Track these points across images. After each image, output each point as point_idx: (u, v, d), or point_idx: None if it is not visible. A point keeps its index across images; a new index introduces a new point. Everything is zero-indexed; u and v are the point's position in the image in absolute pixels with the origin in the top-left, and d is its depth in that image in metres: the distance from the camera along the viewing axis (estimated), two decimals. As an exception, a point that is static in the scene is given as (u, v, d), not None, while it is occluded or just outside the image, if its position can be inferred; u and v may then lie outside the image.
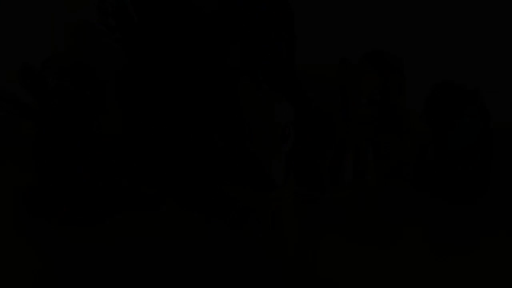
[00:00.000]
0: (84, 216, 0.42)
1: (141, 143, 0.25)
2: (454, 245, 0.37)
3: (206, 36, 0.30)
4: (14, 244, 0.39)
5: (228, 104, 0.20)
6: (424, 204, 0.47)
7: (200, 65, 0.28)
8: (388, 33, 0.71)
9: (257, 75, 0.26)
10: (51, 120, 0.40)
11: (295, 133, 0.24)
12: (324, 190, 0.24)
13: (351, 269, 0.34)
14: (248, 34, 0.31)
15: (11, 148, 0.70)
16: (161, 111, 0.25)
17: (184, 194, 0.23)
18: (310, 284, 0.32)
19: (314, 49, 0.69)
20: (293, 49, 0.36)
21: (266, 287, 0.32)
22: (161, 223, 0.42)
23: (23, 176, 0.45)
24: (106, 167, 0.38)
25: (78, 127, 0.41)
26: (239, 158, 0.19)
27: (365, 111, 0.48)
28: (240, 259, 0.32)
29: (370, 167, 0.51)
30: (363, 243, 0.38)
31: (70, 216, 0.43)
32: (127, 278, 0.33)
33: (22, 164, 0.44)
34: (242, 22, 0.29)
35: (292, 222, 0.20)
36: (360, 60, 0.49)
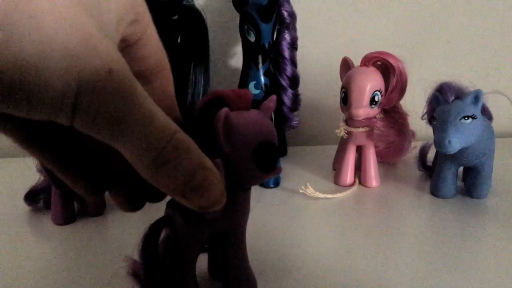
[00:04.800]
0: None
1: None
2: (455, 244, 0.37)
3: None
4: (19, 242, 0.39)
5: None
6: (424, 204, 0.47)
7: None
8: (388, 33, 0.71)
9: None
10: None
11: None
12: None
13: (351, 268, 0.34)
14: None
15: (13, 148, 0.70)
16: None
17: None
18: (310, 284, 0.32)
19: (315, 49, 0.70)
20: None
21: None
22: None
23: (26, 174, 0.45)
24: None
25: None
26: None
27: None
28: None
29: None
30: (363, 242, 0.38)
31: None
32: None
33: (24, 163, 0.44)
34: None
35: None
36: (362, 60, 0.49)
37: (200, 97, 0.48)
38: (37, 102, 0.15)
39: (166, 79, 0.24)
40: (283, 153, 0.65)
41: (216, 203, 0.20)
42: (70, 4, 0.15)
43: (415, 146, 0.56)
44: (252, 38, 0.50)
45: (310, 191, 0.47)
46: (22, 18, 0.13)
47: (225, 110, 0.24)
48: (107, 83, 0.16)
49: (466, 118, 0.41)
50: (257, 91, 0.52)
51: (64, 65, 0.15)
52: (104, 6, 0.18)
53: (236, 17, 0.52)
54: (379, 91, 0.47)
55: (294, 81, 0.55)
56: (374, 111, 0.48)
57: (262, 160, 0.25)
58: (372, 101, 0.47)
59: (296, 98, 0.56)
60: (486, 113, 0.46)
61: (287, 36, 0.53)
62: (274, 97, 0.28)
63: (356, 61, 0.50)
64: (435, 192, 0.48)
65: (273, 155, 0.26)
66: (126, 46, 0.22)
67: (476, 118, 0.41)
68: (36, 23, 0.14)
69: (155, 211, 0.38)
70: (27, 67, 0.14)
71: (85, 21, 0.16)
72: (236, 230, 0.29)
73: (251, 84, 0.52)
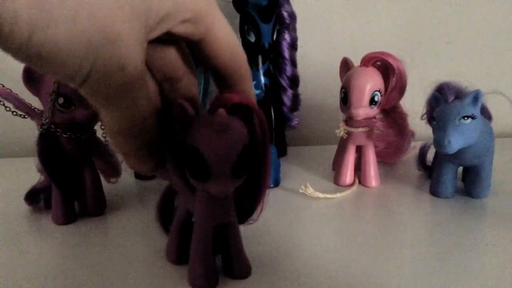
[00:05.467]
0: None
1: None
2: (454, 244, 0.37)
3: None
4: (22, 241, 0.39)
5: None
6: (423, 203, 0.47)
7: None
8: (388, 34, 0.71)
9: None
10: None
11: None
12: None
13: (350, 268, 0.34)
14: None
15: (15, 148, 0.70)
16: None
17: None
18: (309, 284, 0.32)
19: (314, 49, 0.70)
20: None
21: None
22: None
23: (27, 174, 0.45)
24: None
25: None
26: None
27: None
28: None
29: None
30: (362, 242, 0.38)
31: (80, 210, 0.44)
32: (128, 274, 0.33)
33: (25, 163, 0.44)
34: None
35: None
36: (362, 60, 0.49)
37: (200, 96, 0.48)
38: (56, 71, 0.18)
39: (243, 80, 0.27)
40: (283, 153, 0.65)
41: (143, 172, 0.27)
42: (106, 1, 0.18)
43: (414, 146, 0.56)
44: (252, 39, 0.50)
45: (310, 191, 0.47)
46: (62, 15, 0.17)
47: (182, 101, 0.26)
48: (117, 76, 0.19)
49: (465, 118, 0.41)
50: (257, 91, 0.52)
51: (82, 52, 0.18)
52: (156, 2, 0.20)
53: (236, 17, 0.52)
54: (378, 91, 0.48)
55: (294, 81, 0.55)
56: (374, 111, 0.49)
57: (186, 162, 0.26)
58: (372, 101, 0.47)
59: (296, 98, 0.56)
60: (485, 113, 0.46)
61: (287, 36, 0.53)
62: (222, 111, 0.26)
63: (356, 61, 0.50)
64: (434, 192, 0.48)
65: (194, 162, 0.26)
66: (195, 43, 0.24)
67: (475, 118, 0.42)
68: (71, 17, 0.17)
69: (150, 213, 0.38)
70: (54, 48, 0.17)
71: (114, 17, 0.18)
72: (195, 219, 0.30)
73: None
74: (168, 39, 0.23)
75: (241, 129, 0.26)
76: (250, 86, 0.28)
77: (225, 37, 0.25)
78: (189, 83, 0.28)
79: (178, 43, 0.26)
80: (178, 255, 0.34)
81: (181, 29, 0.23)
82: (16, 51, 0.17)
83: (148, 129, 0.24)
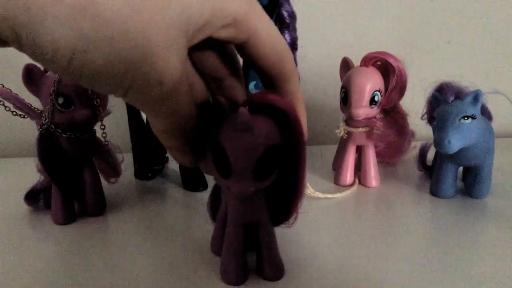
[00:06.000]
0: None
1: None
2: (454, 244, 0.37)
3: None
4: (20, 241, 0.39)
5: None
6: (424, 203, 0.47)
7: None
8: (388, 34, 0.71)
9: None
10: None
11: None
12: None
13: (351, 268, 0.34)
14: None
15: (14, 148, 0.70)
16: None
17: None
18: (309, 284, 0.32)
19: (315, 49, 0.70)
20: None
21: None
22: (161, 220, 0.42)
23: (26, 174, 0.45)
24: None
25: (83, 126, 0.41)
26: None
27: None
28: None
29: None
30: (362, 242, 0.38)
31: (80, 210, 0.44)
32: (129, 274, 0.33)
33: (25, 163, 0.44)
34: None
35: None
36: (362, 60, 0.49)
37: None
38: (98, 87, 0.20)
39: (288, 80, 0.27)
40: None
41: (185, 164, 0.28)
42: (137, 16, 0.18)
43: (414, 146, 0.56)
44: (252, 38, 0.50)
45: (310, 191, 0.47)
46: (98, 38, 0.17)
47: (220, 97, 0.26)
48: (156, 89, 0.20)
49: (465, 118, 0.41)
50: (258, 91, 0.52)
51: (120, 72, 0.19)
52: (195, 11, 0.20)
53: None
54: (379, 91, 0.47)
55: (294, 81, 0.55)
56: (374, 111, 0.49)
57: (214, 158, 0.27)
58: (372, 101, 0.47)
59: (296, 98, 0.56)
60: (485, 113, 0.46)
61: (287, 36, 0.53)
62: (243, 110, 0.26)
63: (356, 61, 0.50)
64: (434, 192, 0.48)
65: (219, 159, 0.26)
66: (238, 45, 0.25)
67: (475, 118, 0.42)
68: (107, 40, 0.17)
69: (150, 214, 0.38)
70: (93, 70, 0.18)
71: (149, 35, 0.18)
72: (228, 214, 0.31)
73: (251, 84, 0.52)
74: (210, 41, 0.23)
75: (266, 129, 0.26)
76: (297, 87, 0.28)
77: (269, 37, 0.25)
78: (234, 84, 0.28)
79: (222, 44, 0.26)
80: (220, 247, 0.33)
81: (223, 34, 0.23)
82: (59, 72, 0.18)
83: (190, 129, 0.25)
